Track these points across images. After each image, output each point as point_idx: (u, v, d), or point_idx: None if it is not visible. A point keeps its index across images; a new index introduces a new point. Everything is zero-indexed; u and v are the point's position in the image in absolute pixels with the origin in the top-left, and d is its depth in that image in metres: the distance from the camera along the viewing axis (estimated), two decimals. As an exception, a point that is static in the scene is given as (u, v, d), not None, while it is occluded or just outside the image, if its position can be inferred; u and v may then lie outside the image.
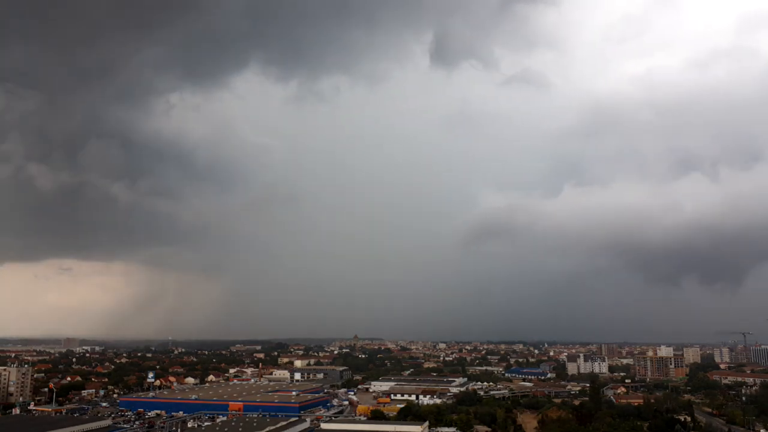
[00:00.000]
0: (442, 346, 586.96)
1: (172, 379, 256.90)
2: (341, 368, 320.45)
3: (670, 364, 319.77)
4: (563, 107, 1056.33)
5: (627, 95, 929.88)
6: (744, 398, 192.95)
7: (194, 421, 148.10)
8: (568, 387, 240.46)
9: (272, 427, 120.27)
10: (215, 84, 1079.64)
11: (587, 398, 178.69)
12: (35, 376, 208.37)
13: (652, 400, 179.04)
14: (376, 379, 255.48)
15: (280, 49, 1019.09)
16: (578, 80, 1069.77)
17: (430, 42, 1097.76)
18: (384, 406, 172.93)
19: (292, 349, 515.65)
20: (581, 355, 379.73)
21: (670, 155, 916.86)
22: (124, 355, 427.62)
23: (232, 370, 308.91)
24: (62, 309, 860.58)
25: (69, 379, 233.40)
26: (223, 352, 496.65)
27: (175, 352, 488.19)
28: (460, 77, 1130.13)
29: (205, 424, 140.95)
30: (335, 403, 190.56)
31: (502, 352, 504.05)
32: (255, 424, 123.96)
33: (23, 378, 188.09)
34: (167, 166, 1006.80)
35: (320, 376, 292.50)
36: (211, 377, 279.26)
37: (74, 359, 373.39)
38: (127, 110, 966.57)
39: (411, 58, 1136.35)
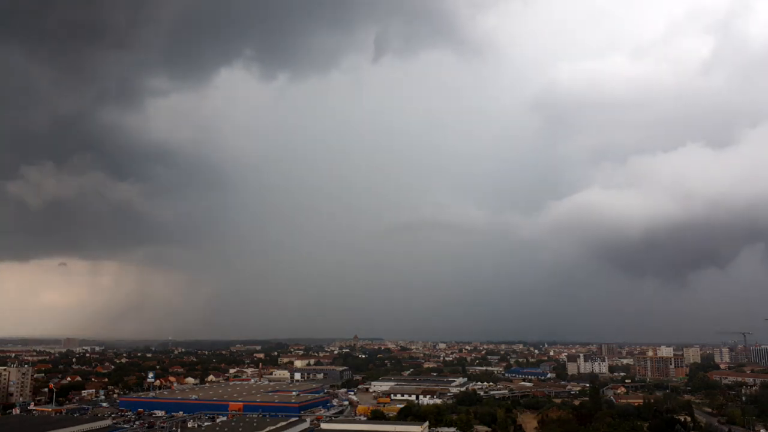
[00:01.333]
0: (442, 346, 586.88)
1: (172, 379, 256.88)
2: (341, 368, 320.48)
3: (670, 364, 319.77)
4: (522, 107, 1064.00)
5: (576, 94, 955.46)
6: (744, 398, 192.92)
7: (194, 421, 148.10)
8: (568, 387, 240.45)
9: (272, 427, 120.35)
10: (200, 82, 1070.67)
11: (587, 398, 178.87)
12: (35, 376, 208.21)
13: (652, 400, 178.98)
14: (376, 379, 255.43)
15: (262, 45, 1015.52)
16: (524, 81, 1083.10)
17: (396, 41, 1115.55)
18: (384, 406, 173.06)
19: (292, 349, 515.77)
20: (581, 355, 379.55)
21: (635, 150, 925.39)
22: (124, 355, 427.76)
23: (232, 370, 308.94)
24: (61, 309, 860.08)
25: (69, 379, 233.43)
26: (223, 352, 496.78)
27: (175, 352, 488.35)
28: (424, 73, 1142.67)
29: (205, 424, 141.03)
30: (335, 403, 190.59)
31: (502, 352, 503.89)
32: (255, 424, 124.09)
33: (23, 378, 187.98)
34: (162, 166, 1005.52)
35: (320, 376, 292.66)
36: (211, 377, 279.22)
37: (74, 359, 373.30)
38: (112, 111, 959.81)
39: (377, 57, 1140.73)
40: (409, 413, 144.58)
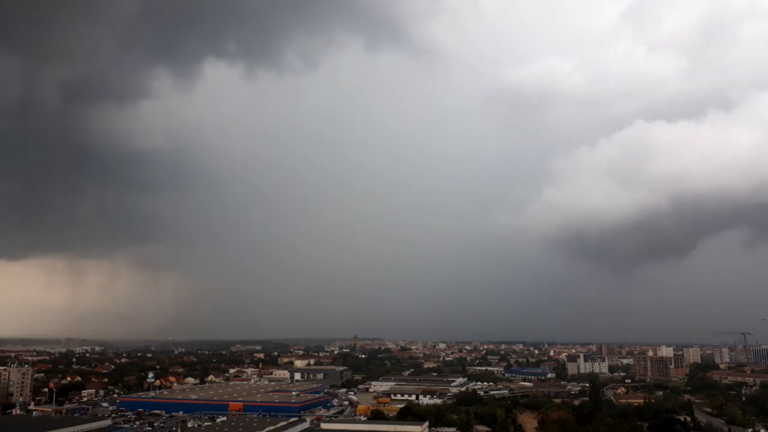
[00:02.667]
0: (442, 346, 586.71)
1: (172, 379, 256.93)
2: (341, 368, 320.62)
3: (670, 364, 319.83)
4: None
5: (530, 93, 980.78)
6: (744, 398, 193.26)
7: (194, 421, 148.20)
8: (568, 387, 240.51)
9: (272, 427, 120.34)
10: (184, 79, 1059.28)
11: (587, 398, 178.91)
12: (35, 376, 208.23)
13: (652, 400, 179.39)
14: (376, 379, 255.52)
15: (244, 42, 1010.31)
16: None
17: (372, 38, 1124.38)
18: (384, 406, 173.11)
19: (292, 349, 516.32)
20: (581, 355, 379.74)
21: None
22: (124, 355, 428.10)
23: (232, 370, 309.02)
24: (61, 309, 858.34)
25: (69, 379, 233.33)
26: (223, 352, 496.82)
27: (175, 352, 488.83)
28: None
29: (205, 424, 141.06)
30: (335, 403, 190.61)
31: (502, 352, 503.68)
32: (255, 424, 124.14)
33: (23, 378, 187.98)
34: (158, 164, 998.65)
35: (320, 376, 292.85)
36: (211, 377, 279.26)
37: (74, 359, 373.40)
38: (95, 108, 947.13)
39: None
40: (409, 413, 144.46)
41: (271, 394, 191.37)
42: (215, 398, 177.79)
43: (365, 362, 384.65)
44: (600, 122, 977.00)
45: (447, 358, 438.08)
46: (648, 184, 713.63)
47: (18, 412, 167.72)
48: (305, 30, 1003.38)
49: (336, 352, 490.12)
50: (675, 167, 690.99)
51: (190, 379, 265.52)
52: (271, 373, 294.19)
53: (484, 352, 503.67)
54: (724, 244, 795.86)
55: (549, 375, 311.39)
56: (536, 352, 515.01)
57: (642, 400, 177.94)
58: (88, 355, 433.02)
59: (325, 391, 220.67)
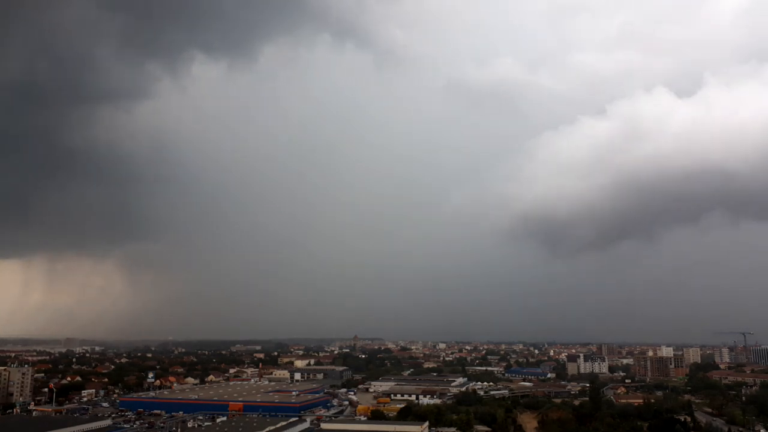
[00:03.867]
0: (442, 346, 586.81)
1: (172, 379, 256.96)
2: (341, 368, 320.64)
3: (670, 364, 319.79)
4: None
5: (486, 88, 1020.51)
6: (744, 398, 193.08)
7: (194, 421, 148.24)
8: (568, 387, 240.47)
9: (272, 427, 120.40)
10: (170, 74, 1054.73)
11: (587, 398, 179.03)
12: (35, 376, 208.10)
13: (652, 400, 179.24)
14: (376, 379, 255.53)
15: (227, 39, 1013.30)
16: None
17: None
18: (384, 406, 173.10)
19: (292, 350, 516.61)
20: (581, 355, 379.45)
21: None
22: (124, 355, 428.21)
23: (232, 370, 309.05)
24: (61, 308, 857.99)
25: (69, 379, 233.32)
26: (223, 352, 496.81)
27: (175, 352, 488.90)
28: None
29: (205, 424, 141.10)
30: (335, 403, 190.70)
31: (502, 352, 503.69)
32: (255, 424, 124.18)
33: (23, 378, 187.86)
34: (152, 163, 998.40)
35: (320, 376, 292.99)
36: (211, 377, 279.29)
37: (74, 359, 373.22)
38: (86, 104, 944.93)
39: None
40: (409, 413, 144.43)
41: (271, 394, 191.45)
42: (215, 398, 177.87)
43: (365, 362, 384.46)
44: (568, 112, 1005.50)
45: (447, 358, 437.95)
46: (629, 171, 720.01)
47: (18, 412, 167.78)
48: (282, 31, 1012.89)
49: (336, 352, 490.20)
50: (655, 151, 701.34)
51: (190, 379, 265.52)
52: (271, 373, 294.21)
53: (484, 352, 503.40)
54: (704, 232, 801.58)
55: (549, 375, 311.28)
56: (536, 352, 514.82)
57: (642, 400, 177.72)
58: (88, 355, 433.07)
59: (325, 391, 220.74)
